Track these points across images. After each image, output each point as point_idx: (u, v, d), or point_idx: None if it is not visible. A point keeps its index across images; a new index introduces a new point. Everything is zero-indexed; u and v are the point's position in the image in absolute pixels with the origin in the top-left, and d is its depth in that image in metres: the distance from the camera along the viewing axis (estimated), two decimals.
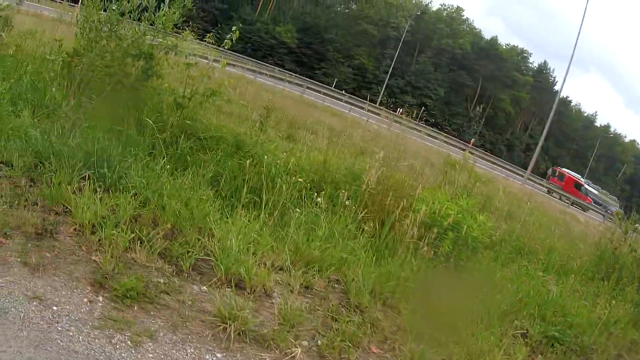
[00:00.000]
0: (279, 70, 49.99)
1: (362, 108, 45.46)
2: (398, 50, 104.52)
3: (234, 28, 9.25)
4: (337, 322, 5.78)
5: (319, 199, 8.07)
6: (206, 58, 9.83)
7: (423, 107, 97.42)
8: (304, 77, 57.08)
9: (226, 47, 9.48)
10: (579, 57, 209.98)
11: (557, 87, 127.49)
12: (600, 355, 7.63)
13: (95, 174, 6.50)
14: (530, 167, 54.94)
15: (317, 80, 66.74)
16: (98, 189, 6.14)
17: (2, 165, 6.37)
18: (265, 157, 8.56)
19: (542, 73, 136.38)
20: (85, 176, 6.42)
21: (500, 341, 6.76)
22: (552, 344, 7.52)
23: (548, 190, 54.81)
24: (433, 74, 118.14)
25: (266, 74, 36.29)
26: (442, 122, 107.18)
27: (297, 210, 7.64)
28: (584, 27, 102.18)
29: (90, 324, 4.47)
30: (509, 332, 7.11)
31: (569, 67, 71.86)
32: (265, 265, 6.20)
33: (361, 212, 8.22)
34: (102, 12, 8.86)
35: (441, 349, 6.21)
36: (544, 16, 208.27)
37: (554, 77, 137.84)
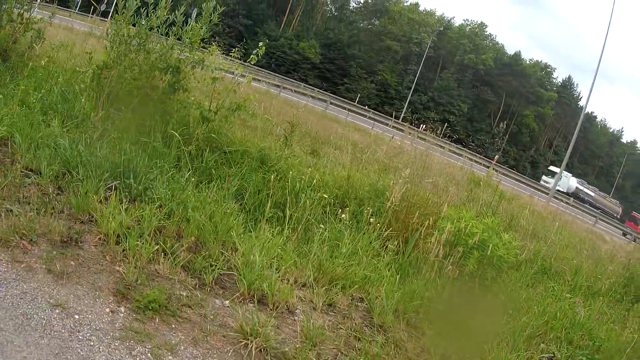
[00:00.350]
0: (303, 86, 50.12)
1: (386, 124, 45.57)
2: (421, 66, 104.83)
3: (260, 44, 9.32)
4: (360, 342, 5.74)
5: (343, 215, 8.07)
6: (232, 73, 9.86)
7: (446, 123, 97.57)
8: (327, 93, 57.24)
9: (252, 62, 9.52)
10: (606, 71, 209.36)
11: (581, 103, 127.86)
12: None
13: (122, 184, 6.53)
14: (554, 186, 54.51)
15: (340, 96, 67.00)
16: (124, 200, 6.18)
17: (31, 172, 6.42)
18: (290, 172, 8.56)
19: (567, 88, 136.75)
20: (112, 186, 6.45)
21: None
22: None
23: (623, 233, 54.42)
24: (456, 90, 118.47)
25: (290, 89, 36.43)
26: (466, 138, 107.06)
27: (321, 226, 7.60)
28: (611, 40, 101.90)
29: (111, 334, 4.48)
30: (535, 356, 6.98)
31: (593, 82, 72.18)
32: (289, 281, 6.21)
33: (385, 230, 8.18)
34: (131, 26, 8.95)
35: None
36: (569, 30, 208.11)
37: (579, 92, 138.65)
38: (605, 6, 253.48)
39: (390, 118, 53.90)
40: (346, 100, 60.23)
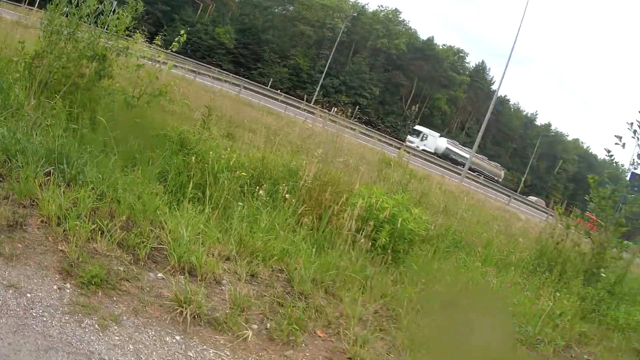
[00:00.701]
0: (218, 71, 50.08)
1: (298, 108, 45.86)
2: (333, 50, 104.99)
3: (182, 32, 9.70)
4: (283, 308, 6.19)
5: (260, 192, 8.47)
6: (155, 60, 10.17)
7: (357, 106, 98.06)
8: (240, 77, 57.24)
9: (173, 50, 9.89)
10: (521, 57, 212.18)
11: (494, 87, 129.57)
12: (547, 345, 7.95)
13: (57, 169, 6.86)
14: (467, 166, 55.60)
15: (253, 80, 66.93)
16: (60, 184, 6.52)
17: None
18: (210, 153, 8.91)
19: (480, 72, 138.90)
20: (49, 171, 6.77)
21: (442, 329, 7.11)
22: None
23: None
24: (368, 74, 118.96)
25: (206, 75, 36.46)
26: (377, 120, 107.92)
27: (240, 204, 8.01)
28: (526, 26, 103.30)
29: (61, 309, 4.84)
30: (449, 322, 7.24)
31: (507, 66, 73.57)
32: (214, 255, 6.62)
33: (300, 207, 8.62)
34: (64, 16, 9.22)
35: (384, 333, 6.67)
36: (485, 16, 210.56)
37: (492, 77, 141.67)
38: None
39: (301, 101, 54.07)
40: (259, 84, 60.39)
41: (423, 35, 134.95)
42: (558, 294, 10.05)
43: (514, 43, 62.81)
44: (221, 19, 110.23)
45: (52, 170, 6.83)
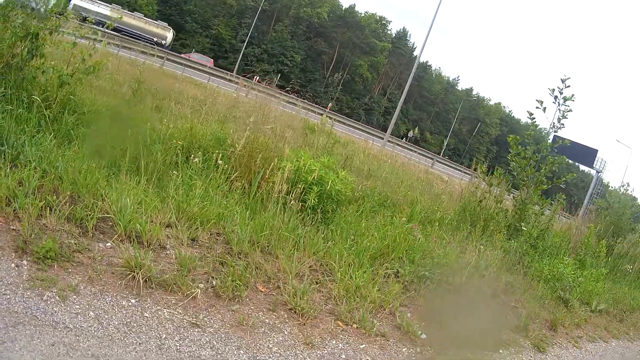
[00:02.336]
0: (143, 44, 49.62)
1: (221, 78, 45.78)
2: (255, 19, 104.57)
3: (118, 15, 9.84)
4: (226, 267, 6.67)
5: (195, 160, 8.76)
6: (88, 38, 10.26)
7: (279, 74, 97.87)
8: (163, 49, 56.69)
9: (110, 29, 10.06)
10: (446, 25, 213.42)
11: (417, 53, 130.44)
12: (474, 294, 8.67)
13: None
14: (389, 130, 55.19)
15: (175, 52, 66.31)
16: (2, 165, 6.58)
17: None
18: (148, 124, 9.05)
19: (401, 39, 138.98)
20: None
21: (373, 280, 7.88)
22: (424, 282, 8.56)
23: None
24: (290, 42, 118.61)
25: (128, 48, 36.08)
26: (300, 88, 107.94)
27: (174, 172, 8.29)
28: None
29: (21, 285, 5.04)
30: (380, 272, 8.17)
31: (428, 33, 73.63)
32: (155, 222, 6.91)
33: (233, 173, 8.93)
34: None
35: (320, 286, 7.32)
36: None
37: (413, 43, 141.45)
38: None
39: (225, 72, 54.00)
40: (181, 55, 60.00)
41: (345, 3, 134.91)
42: (482, 248, 10.61)
43: (437, 9, 62.73)
44: None
45: None
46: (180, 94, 18.64)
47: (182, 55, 60.00)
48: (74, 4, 55.17)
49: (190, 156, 9.04)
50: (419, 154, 53.16)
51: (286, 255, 7.56)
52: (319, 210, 9.05)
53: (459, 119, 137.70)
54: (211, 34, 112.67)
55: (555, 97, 13.63)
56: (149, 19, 71.78)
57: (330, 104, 66.69)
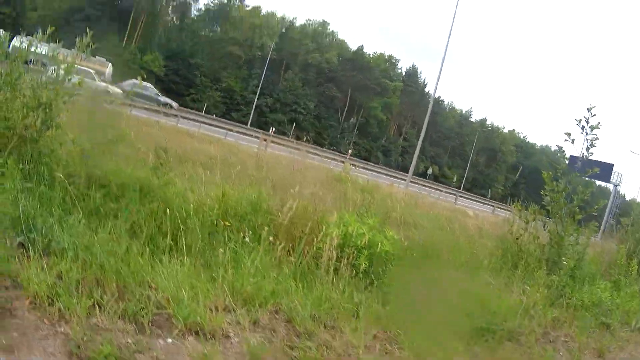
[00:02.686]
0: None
1: (237, 132, 45.85)
2: (265, 69, 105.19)
3: (138, 77, 9.30)
4: (295, 350, 6.23)
5: (246, 239, 8.30)
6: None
7: (294, 123, 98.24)
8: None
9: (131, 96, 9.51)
10: (451, 56, 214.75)
11: (428, 89, 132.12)
12: (528, 336, 8.59)
13: (27, 240, 6.34)
14: (411, 171, 55.68)
15: (186, 107, 66.40)
16: (33, 255, 5.99)
17: None
18: (176, 200, 8.69)
19: (411, 76, 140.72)
20: (20, 243, 6.25)
21: (436, 340, 7.54)
22: (483, 335, 8.23)
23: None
24: (302, 90, 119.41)
25: (141, 108, 35.86)
26: (316, 136, 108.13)
27: (220, 250, 7.78)
28: (457, 25, 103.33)
29: None
30: (438, 330, 7.77)
31: (441, 69, 73.14)
32: (212, 309, 6.37)
33: (278, 243, 8.44)
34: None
35: (389, 356, 7.06)
36: (410, 17, 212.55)
37: (424, 79, 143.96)
38: None
39: (242, 125, 54.30)
40: (193, 111, 59.98)
41: (352, 45, 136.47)
42: (527, 287, 10.62)
43: (447, 46, 62.75)
44: (148, 46, 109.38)
45: (23, 242, 6.29)
46: (198, 153, 18.34)
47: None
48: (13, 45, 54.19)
49: (225, 223, 8.63)
50: (441, 191, 55.42)
51: (351, 328, 7.18)
52: (371, 274, 8.77)
53: (475, 151, 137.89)
54: (222, 87, 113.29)
55: (582, 127, 13.75)
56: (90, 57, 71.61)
57: (350, 150, 66.67)
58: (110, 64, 65.47)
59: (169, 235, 7.69)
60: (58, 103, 8.77)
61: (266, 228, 8.54)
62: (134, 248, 7.00)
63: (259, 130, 58.27)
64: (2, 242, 6.04)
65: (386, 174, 55.29)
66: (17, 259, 5.90)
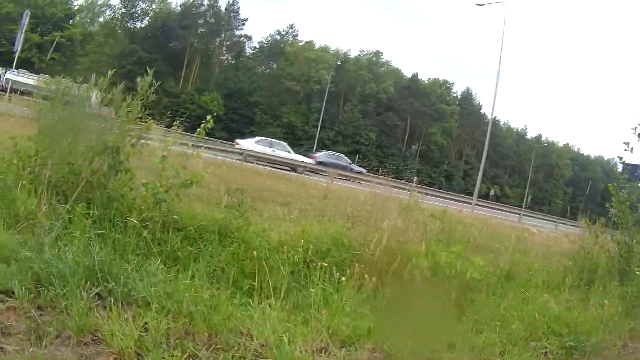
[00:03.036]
0: (220, 142, 49.99)
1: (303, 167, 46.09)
2: (324, 102, 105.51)
3: (208, 117, 9.01)
4: None
5: (343, 279, 8.02)
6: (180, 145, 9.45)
7: (357, 154, 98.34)
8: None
9: (201, 136, 9.24)
10: (501, 74, 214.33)
11: (483, 110, 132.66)
12: (611, 350, 8.56)
13: (104, 290, 5.93)
14: (475, 194, 56.74)
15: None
16: (113, 306, 5.55)
17: (2, 295, 5.57)
18: (257, 240, 8.53)
19: (467, 99, 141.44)
20: (97, 294, 5.84)
21: None
22: (571, 353, 8.19)
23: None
24: (362, 120, 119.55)
25: (203, 147, 36.00)
26: (379, 165, 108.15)
27: (311, 290, 7.56)
28: (506, 44, 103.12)
29: None
30: (533, 353, 7.83)
31: (496, 90, 73.12)
32: (310, 352, 6.04)
33: (369, 279, 8.17)
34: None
35: None
36: (458, 39, 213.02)
37: (479, 101, 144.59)
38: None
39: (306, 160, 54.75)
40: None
41: (407, 72, 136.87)
42: (605, 301, 10.44)
43: (499, 66, 61.93)
44: (206, 87, 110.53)
45: (100, 293, 5.89)
46: (270, 190, 18.41)
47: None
48: (6, 78, 54.18)
49: (310, 261, 8.51)
50: (505, 211, 56.27)
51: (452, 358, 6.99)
52: (461, 302, 8.78)
53: (533, 168, 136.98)
54: (282, 122, 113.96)
55: (639, 135, 13.75)
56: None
57: (415, 177, 66.60)
58: (97, 91, 64.85)
59: (257, 278, 7.49)
60: (125, 146, 8.58)
61: (357, 265, 8.35)
62: (220, 293, 6.69)
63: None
64: (77, 294, 5.64)
65: (451, 199, 55.56)
66: (95, 312, 5.48)
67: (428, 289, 8.24)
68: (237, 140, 54.78)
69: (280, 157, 48.84)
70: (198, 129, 9.07)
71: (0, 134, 11.31)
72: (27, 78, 61.45)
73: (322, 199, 15.84)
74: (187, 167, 8.89)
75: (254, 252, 8.02)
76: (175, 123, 10.28)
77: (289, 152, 54.85)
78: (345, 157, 65.22)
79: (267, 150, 50.73)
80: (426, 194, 46.64)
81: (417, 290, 8.22)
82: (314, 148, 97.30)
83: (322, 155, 64.26)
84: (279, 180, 27.76)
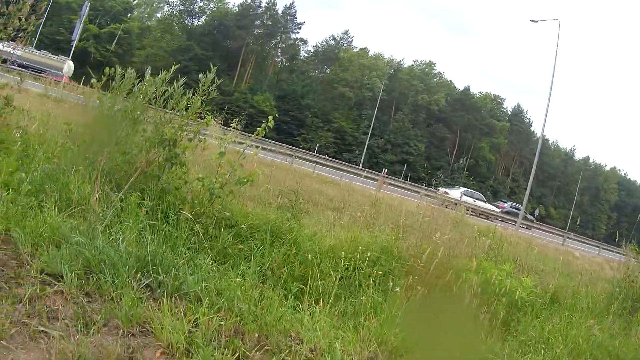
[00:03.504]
0: (272, 143, 50.32)
1: (350, 172, 46.12)
2: (376, 110, 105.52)
3: (270, 117, 8.93)
4: None
5: (397, 289, 7.96)
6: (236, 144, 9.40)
7: (405, 164, 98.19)
8: (286, 145, 56.99)
9: (260, 136, 9.17)
10: (544, 89, 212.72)
11: (533, 128, 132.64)
12: None
13: (154, 282, 5.81)
14: (521, 213, 56.12)
15: (297, 147, 67.18)
16: (164, 299, 5.42)
17: (48, 277, 5.45)
18: (307, 243, 8.51)
19: (517, 116, 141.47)
20: (147, 285, 5.72)
21: None
22: None
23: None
24: (412, 130, 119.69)
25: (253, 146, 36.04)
26: (427, 177, 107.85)
27: (363, 298, 7.53)
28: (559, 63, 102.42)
29: None
30: None
31: (547, 109, 71.90)
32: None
33: (419, 291, 8.01)
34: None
35: None
36: (510, 55, 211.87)
37: (529, 118, 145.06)
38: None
39: (351, 165, 55.16)
40: (303, 150, 60.42)
41: (459, 85, 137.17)
42: None
43: (551, 84, 61.13)
44: (259, 87, 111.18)
45: (150, 284, 5.77)
46: (323, 196, 18.48)
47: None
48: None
49: (358, 268, 8.42)
50: (550, 232, 57.28)
51: None
52: (509, 322, 8.70)
53: (579, 190, 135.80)
54: (333, 127, 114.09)
55: None
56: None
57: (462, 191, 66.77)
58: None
59: (309, 282, 7.43)
60: (183, 140, 8.56)
61: (411, 277, 8.22)
62: (272, 294, 6.63)
63: (371, 170, 58.74)
64: (128, 284, 5.56)
65: (494, 215, 56.32)
66: (145, 303, 5.35)
67: (477, 305, 8.00)
68: (446, 190, 59.81)
69: (478, 207, 54.77)
70: (258, 129, 8.98)
71: (54, 119, 11.36)
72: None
73: (371, 206, 15.64)
74: (243, 165, 8.75)
75: (308, 255, 7.96)
76: (234, 121, 10.27)
77: (484, 202, 62.05)
78: (481, 195, 69.30)
79: (469, 200, 56.56)
80: (473, 210, 46.79)
81: (466, 306, 7.97)
82: (363, 155, 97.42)
83: (507, 206, 70.28)
84: (327, 184, 27.75)
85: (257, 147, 9.77)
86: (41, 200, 7.31)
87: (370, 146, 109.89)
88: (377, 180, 43.85)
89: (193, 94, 8.62)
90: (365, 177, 48.68)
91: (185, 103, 8.60)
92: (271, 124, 8.95)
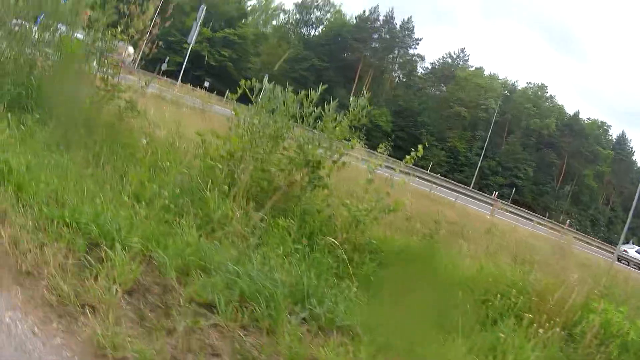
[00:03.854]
0: (392, 161, 50.38)
1: (464, 194, 45.87)
2: (489, 132, 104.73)
3: (419, 146, 8.73)
4: None
5: (540, 329, 7.47)
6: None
7: (514, 188, 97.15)
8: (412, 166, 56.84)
9: (409, 163, 8.97)
10: None
11: (635, 157, 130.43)
12: None
13: (309, 314, 5.51)
14: (619, 247, 54.65)
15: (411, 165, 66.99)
16: (322, 334, 5.22)
17: (199, 307, 5.17)
18: (446, 273, 8.31)
19: (621, 144, 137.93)
20: (303, 319, 5.42)
21: None
22: None
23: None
24: (521, 154, 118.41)
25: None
26: (532, 202, 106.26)
27: (501, 335, 7.03)
28: None
29: None
30: None
31: None
32: None
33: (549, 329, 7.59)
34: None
35: None
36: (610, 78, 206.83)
37: (632, 147, 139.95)
38: None
39: (462, 185, 55.12)
40: (416, 168, 60.08)
41: (568, 110, 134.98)
42: None
43: None
44: (376, 101, 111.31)
45: (305, 317, 5.45)
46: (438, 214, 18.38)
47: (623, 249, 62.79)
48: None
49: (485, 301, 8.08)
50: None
51: None
52: None
53: None
54: (446, 146, 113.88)
55: None
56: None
57: (568, 221, 65.84)
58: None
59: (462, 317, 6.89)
60: (327, 163, 8.44)
61: (545, 316, 7.76)
62: (424, 329, 6.30)
63: (481, 192, 58.38)
64: (285, 316, 5.26)
65: (591, 244, 56.39)
66: (306, 338, 5.09)
67: (597, 347, 7.67)
68: (625, 248, 59.87)
69: None
70: (407, 157, 8.78)
71: (174, 124, 11.07)
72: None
73: (487, 233, 15.33)
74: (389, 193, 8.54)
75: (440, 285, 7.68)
76: (380, 146, 10.16)
77: None
78: None
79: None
80: (580, 240, 46.06)
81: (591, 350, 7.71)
82: (474, 176, 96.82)
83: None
84: (444, 206, 27.54)
85: (407, 174, 9.49)
86: (176, 215, 7.00)
87: (481, 167, 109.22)
88: (491, 204, 43.59)
89: (343, 116, 8.45)
90: (477, 198, 48.32)
91: (331, 124, 8.43)
92: (420, 152, 8.73)
